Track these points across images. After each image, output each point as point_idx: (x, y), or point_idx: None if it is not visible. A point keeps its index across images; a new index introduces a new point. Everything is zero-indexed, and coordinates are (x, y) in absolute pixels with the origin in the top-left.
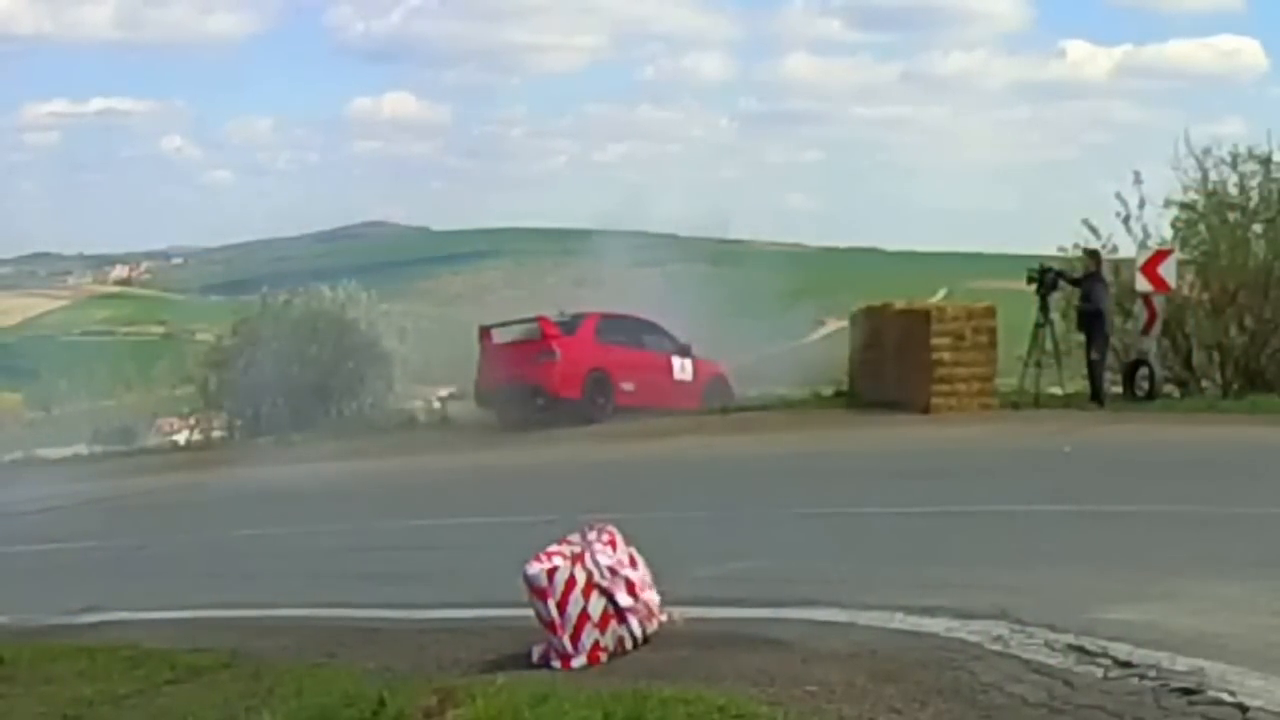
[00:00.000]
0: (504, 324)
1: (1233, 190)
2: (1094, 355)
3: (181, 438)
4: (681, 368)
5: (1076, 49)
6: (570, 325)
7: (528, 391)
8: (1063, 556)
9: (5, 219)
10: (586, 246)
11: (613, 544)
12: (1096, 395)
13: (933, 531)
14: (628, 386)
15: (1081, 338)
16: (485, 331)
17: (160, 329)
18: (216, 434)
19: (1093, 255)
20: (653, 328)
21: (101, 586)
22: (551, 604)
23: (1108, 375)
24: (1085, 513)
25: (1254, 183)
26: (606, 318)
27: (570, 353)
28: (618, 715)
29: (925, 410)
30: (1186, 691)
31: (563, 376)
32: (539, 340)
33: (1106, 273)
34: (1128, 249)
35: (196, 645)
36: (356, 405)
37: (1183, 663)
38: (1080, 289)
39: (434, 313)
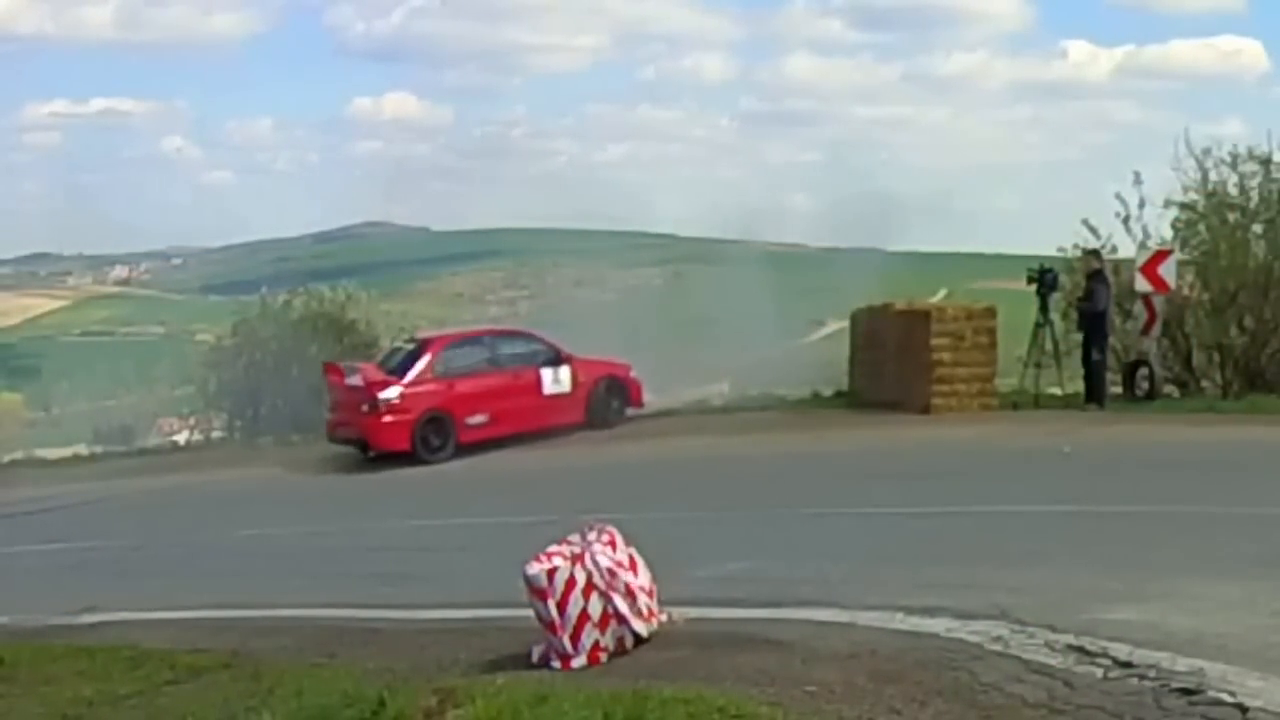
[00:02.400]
0: (348, 364)
1: (1233, 191)
2: (1095, 355)
3: (181, 438)
4: (554, 379)
5: (1078, 49)
6: (404, 362)
7: (359, 443)
8: (1063, 557)
9: (5, 219)
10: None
11: (613, 544)
12: (1096, 395)
13: (933, 532)
14: (476, 420)
15: (1079, 338)
16: (330, 368)
17: (160, 329)
18: (216, 434)
19: (1095, 255)
20: (517, 339)
21: (101, 587)
22: (551, 604)
23: (1107, 375)
24: (1085, 513)
25: (1254, 183)
26: (452, 343)
27: (395, 400)
28: (618, 715)
29: (925, 410)
30: (1186, 692)
31: (386, 428)
32: (363, 387)
33: (1107, 273)
34: (1127, 249)
35: (196, 646)
36: None
37: (1183, 663)
38: (1086, 289)
39: (434, 313)
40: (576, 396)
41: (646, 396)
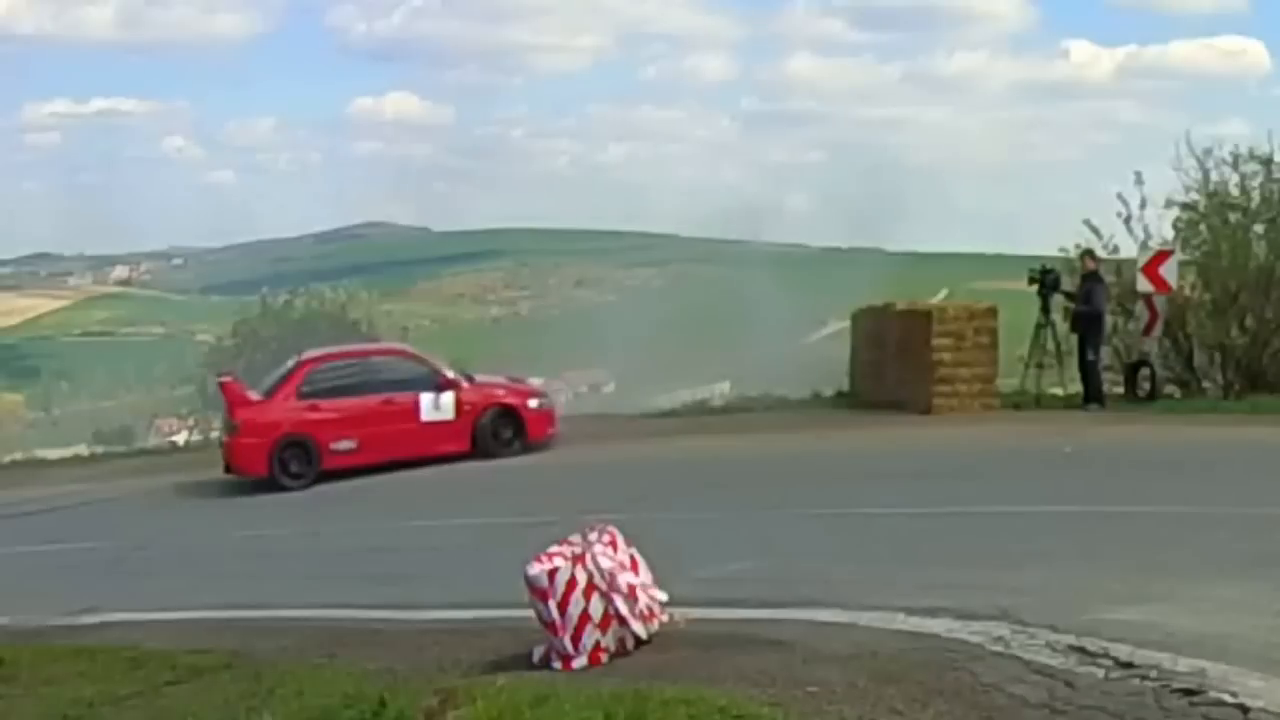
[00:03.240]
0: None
1: (1234, 191)
2: (1091, 356)
3: (181, 438)
4: (435, 405)
5: (1080, 49)
6: (276, 382)
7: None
8: (1064, 557)
9: (6, 219)
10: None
11: (614, 545)
12: (1095, 396)
13: (934, 532)
14: (343, 445)
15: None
16: (227, 385)
17: (160, 329)
18: (215, 435)
19: (1090, 255)
20: (399, 360)
21: (102, 587)
22: (552, 605)
23: (1107, 376)
24: (1086, 513)
25: (1255, 183)
26: (324, 363)
27: (254, 421)
28: (619, 716)
29: (926, 411)
30: (1188, 692)
31: (243, 450)
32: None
33: (1105, 273)
34: (1129, 249)
35: (197, 646)
36: None
37: (1184, 663)
38: (1079, 289)
39: (435, 313)
40: (460, 425)
41: (649, 398)
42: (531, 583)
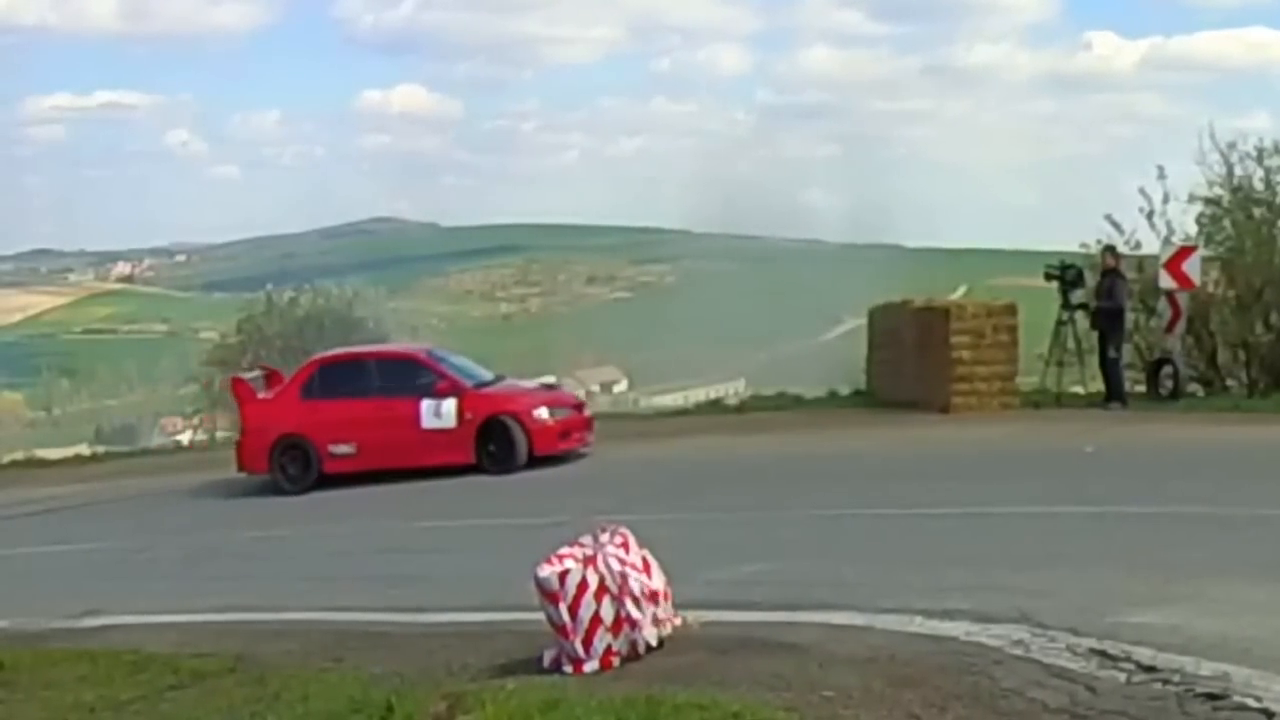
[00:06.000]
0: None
1: (1258, 185)
2: (1113, 353)
3: (185, 438)
4: (435, 413)
5: (1103, 41)
6: (288, 381)
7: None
8: (1085, 559)
9: (6, 214)
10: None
11: (625, 546)
12: (1117, 394)
13: (952, 533)
14: (341, 450)
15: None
16: (236, 382)
17: (163, 327)
18: (220, 434)
19: (1111, 251)
20: (405, 364)
21: (104, 590)
22: (563, 607)
23: (1129, 374)
24: (1108, 514)
25: None
26: (329, 363)
27: (257, 419)
28: None
29: (945, 410)
30: (1211, 697)
31: (247, 448)
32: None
33: (1127, 270)
34: (1151, 245)
35: (200, 650)
36: None
37: (1207, 667)
38: (1100, 286)
39: (444, 310)
40: (462, 434)
41: (662, 396)
42: (542, 585)
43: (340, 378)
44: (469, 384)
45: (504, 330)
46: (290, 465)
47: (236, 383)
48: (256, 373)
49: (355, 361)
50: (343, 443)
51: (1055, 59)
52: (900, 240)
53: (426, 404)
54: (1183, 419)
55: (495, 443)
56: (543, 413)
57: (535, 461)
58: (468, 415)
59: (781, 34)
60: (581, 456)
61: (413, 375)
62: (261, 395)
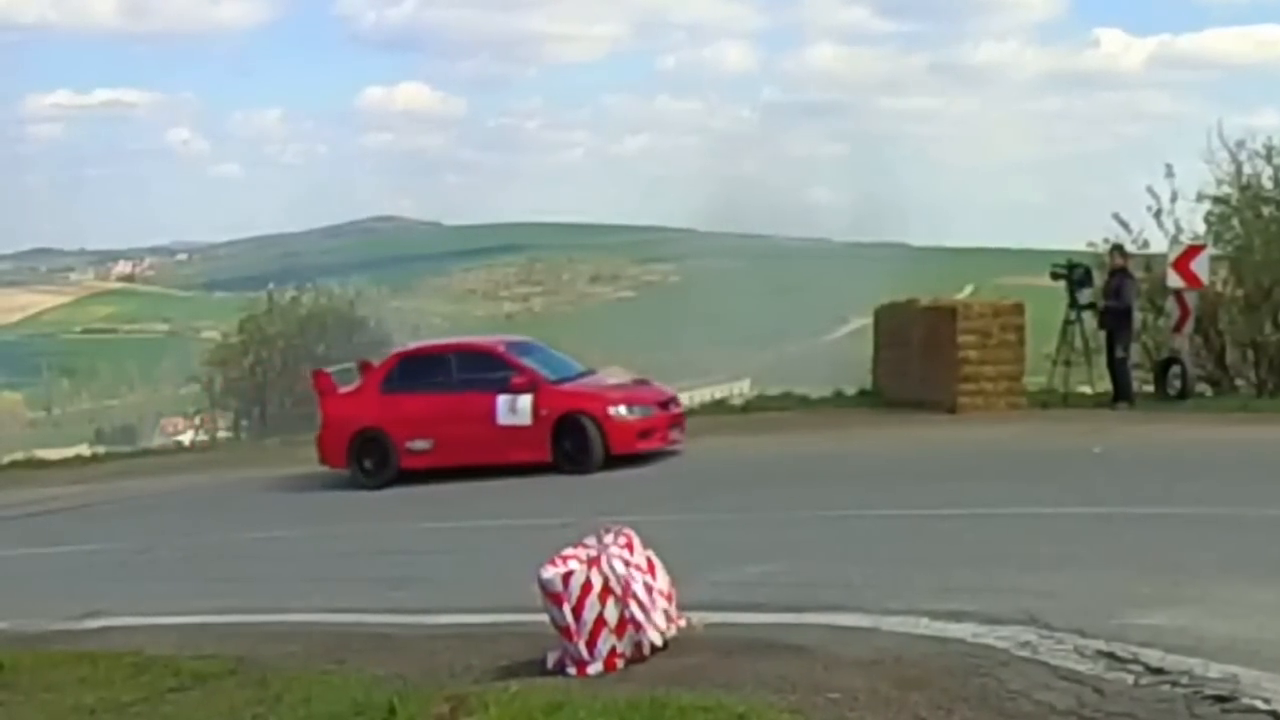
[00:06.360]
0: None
1: (1267, 184)
2: (1120, 353)
3: (186, 438)
4: (510, 409)
5: (1110, 38)
6: (358, 373)
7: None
8: (1092, 560)
9: (6, 213)
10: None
11: (630, 547)
12: (1125, 394)
13: (959, 534)
14: (418, 445)
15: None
16: (317, 375)
17: (164, 327)
18: (222, 434)
19: (1119, 251)
20: (483, 357)
21: (104, 591)
22: (567, 609)
23: (1137, 374)
24: (1116, 515)
25: None
26: (409, 356)
27: (336, 412)
28: None
29: (951, 410)
30: (1220, 699)
31: (326, 442)
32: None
33: (1135, 269)
34: (1159, 244)
35: (201, 651)
36: None
37: (1216, 669)
38: (1108, 285)
39: (447, 310)
40: (537, 431)
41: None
42: (545, 586)
43: (420, 371)
44: (548, 379)
45: (507, 330)
46: (368, 460)
47: (318, 375)
48: (349, 365)
49: (435, 354)
50: (420, 438)
51: (1063, 56)
52: (906, 239)
53: (502, 399)
54: (1191, 419)
55: (571, 441)
56: (621, 410)
57: (614, 461)
58: (543, 412)
59: (787, 31)
60: (672, 455)
61: (491, 369)
62: (344, 389)
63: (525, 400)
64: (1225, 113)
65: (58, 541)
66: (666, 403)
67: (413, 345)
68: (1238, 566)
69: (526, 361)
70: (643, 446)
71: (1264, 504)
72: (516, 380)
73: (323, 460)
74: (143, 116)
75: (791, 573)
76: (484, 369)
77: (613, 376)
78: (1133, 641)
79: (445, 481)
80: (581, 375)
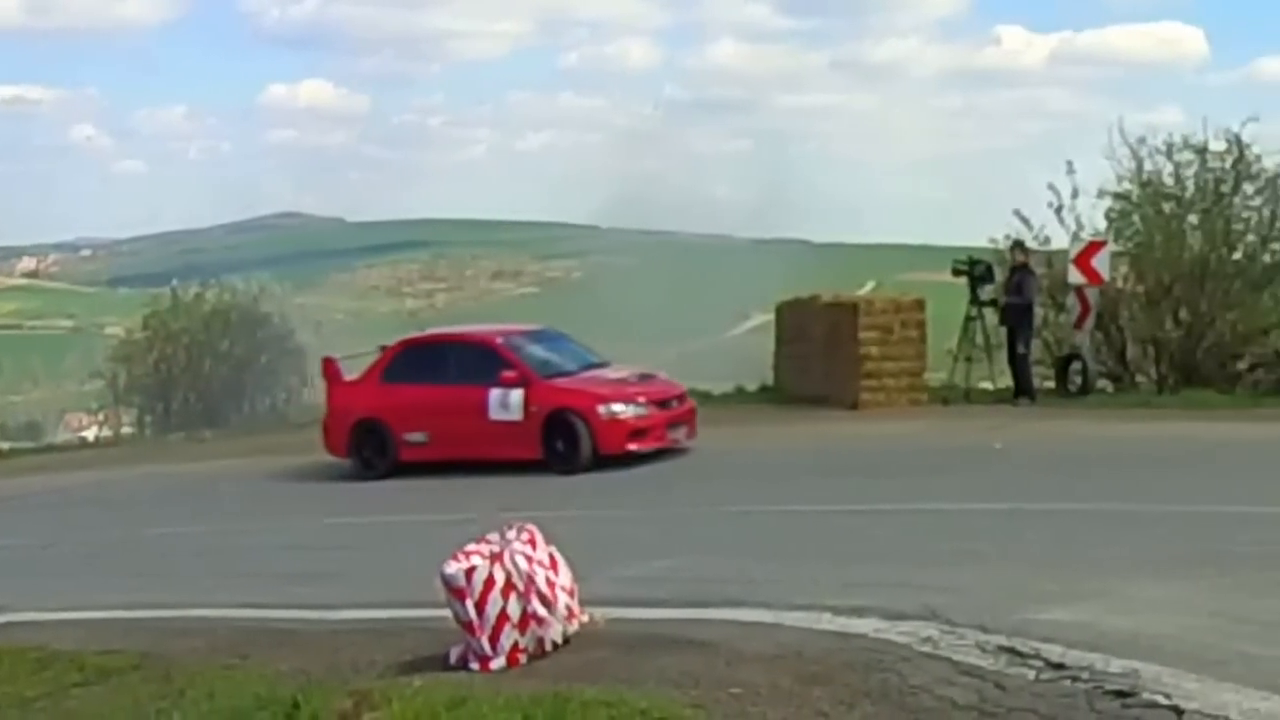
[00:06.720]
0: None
1: (1168, 180)
2: (1022, 349)
3: (90, 434)
4: (501, 404)
5: (1012, 36)
6: (373, 362)
7: None
8: (994, 556)
9: None
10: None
11: (533, 543)
12: (1026, 390)
13: (861, 530)
14: (415, 438)
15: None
16: (327, 363)
17: (68, 323)
18: (126, 430)
19: (1020, 247)
20: (483, 352)
21: (8, 587)
22: (469, 604)
23: (1038, 370)
24: (1017, 511)
25: (1190, 173)
26: (416, 345)
27: (339, 401)
28: (538, 718)
29: (853, 406)
30: (1121, 694)
31: (328, 431)
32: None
33: (1036, 265)
34: (1061, 240)
35: (106, 646)
36: (270, 401)
37: (1117, 664)
38: (1009, 281)
39: (350, 306)
40: (528, 427)
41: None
42: (448, 581)
43: (420, 362)
44: (540, 373)
45: (410, 326)
46: (367, 450)
47: (327, 363)
48: (372, 350)
49: (436, 345)
50: (417, 430)
51: (964, 54)
52: (809, 235)
53: (494, 394)
54: (1092, 415)
55: (561, 439)
56: (612, 409)
57: (604, 462)
58: (533, 408)
59: (690, 28)
60: (681, 453)
61: (486, 362)
62: (349, 377)
63: (516, 395)
64: (1126, 110)
65: None
66: (668, 400)
67: (418, 334)
68: (1138, 562)
69: (524, 354)
70: (635, 447)
71: (1164, 500)
72: (507, 375)
73: (325, 447)
74: (46, 113)
75: (694, 568)
76: (480, 361)
77: (621, 370)
78: (1034, 637)
79: (350, 482)
80: (590, 368)
